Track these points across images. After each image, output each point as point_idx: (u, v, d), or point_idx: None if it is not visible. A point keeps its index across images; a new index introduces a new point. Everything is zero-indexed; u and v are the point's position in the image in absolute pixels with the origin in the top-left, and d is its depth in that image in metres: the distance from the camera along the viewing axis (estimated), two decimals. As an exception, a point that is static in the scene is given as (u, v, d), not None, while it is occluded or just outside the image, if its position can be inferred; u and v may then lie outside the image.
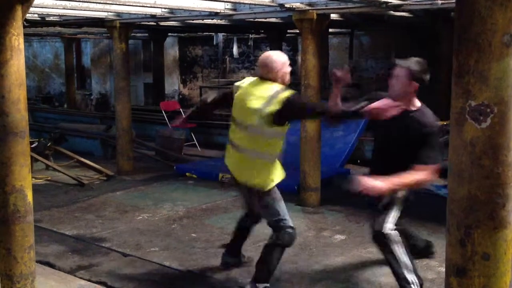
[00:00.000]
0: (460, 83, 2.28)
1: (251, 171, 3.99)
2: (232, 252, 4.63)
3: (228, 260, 4.63)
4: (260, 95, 3.88)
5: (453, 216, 2.36)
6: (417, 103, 4.00)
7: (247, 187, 4.08)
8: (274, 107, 3.78)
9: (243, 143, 3.98)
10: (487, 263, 2.31)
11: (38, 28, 11.44)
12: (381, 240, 3.89)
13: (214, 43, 14.92)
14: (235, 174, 4.13)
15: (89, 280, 4.47)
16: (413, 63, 3.89)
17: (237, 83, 4.19)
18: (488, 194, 2.27)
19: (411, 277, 3.84)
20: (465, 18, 2.25)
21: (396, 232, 3.88)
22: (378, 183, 3.46)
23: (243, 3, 6.69)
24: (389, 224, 3.88)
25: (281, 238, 3.99)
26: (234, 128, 4.05)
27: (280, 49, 12.45)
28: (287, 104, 3.78)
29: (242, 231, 4.59)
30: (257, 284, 4.00)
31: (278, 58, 3.99)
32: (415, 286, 3.85)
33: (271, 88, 3.89)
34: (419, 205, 6.59)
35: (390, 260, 3.89)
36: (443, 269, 2.52)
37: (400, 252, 3.84)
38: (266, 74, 3.96)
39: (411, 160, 3.72)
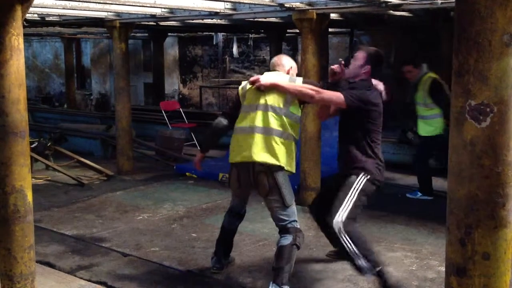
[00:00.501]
0: (460, 82, 2.29)
1: (278, 151, 4.06)
2: (225, 254, 4.61)
3: (224, 263, 4.61)
4: (281, 77, 4.22)
5: (453, 215, 2.37)
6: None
7: (267, 173, 4.04)
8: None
9: (269, 124, 4.07)
10: (487, 263, 2.31)
11: (38, 28, 11.44)
12: (330, 230, 4.03)
13: (214, 43, 14.91)
14: (257, 158, 4.03)
15: (89, 280, 4.47)
16: (372, 50, 4.32)
17: (242, 84, 4.38)
18: (488, 193, 2.28)
19: (360, 262, 3.95)
20: (465, 17, 2.25)
21: (345, 225, 3.97)
22: (272, 79, 4.07)
23: (243, 3, 6.68)
24: (340, 217, 3.98)
25: (299, 240, 4.10)
26: (255, 113, 4.12)
27: (280, 48, 12.44)
28: (305, 80, 4.27)
29: (231, 232, 4.58)
30: (283, 287, 4.00)
31: (289, 59, 4.45)
32: (367, 270, 3.95)
33: (285, 76, 4.26)
34: (419, 205, 6.63)
35: (340, 249, 4.07)
36: (443, 269, 2.52)
37: (347, 242, 3.96)
38: (277, 68, 4.35)
39: (353, 129, 4.10)
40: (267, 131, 4.05)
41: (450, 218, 2.38)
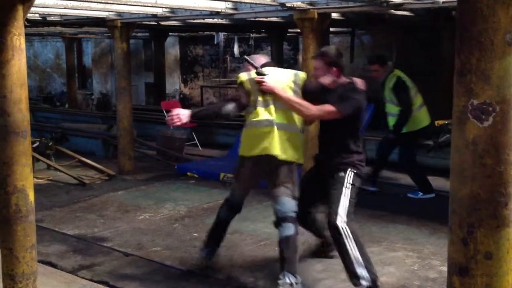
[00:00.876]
0: (462, 81, 2.28)
1: (295, 146, 4.18)
2: (217, 246, 4.61)
3: (213, 254, 4.61)
4: (285, 73, 4.31)
5: (456, 215, 2.36)
6: (344, 80, 4.21)
7: (287, 164, 4.14)
8: (302, 82, 4.25)
9: (285, 119, 4.16)
10: (490, 262, 2.31)
11: (39, 28, 11.45)
12: (334, 233, 3.97)
13: (215, 42, 14.92)
14: (276, 151, 4.11)
15: (91, 280, 4.46)
16: (327, 51, 4.27)
17: (246, 76, 4.29)
18: (491, 193, 2.27)
19: (361, 271, 3.88)
20: (467, 16, 2.25)
21: (348, 225, 3.95)
22: (274, 85, 4.07)
23: (244, 3, 6.69)
24: (341, 216, 3.95)
25: (298, 230, 4.17)
26: (269, 108, 4.16)
27: (281, 48, 12.45)
28: (307, 82, 4.30)
29: (227, 225, 4.58)
30: (296, 275, 4.05)
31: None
32: (365, 281, 3.88)
33: (288, 72, 4.36)
34: (420, 204, 6.63)
35: (340, 254, 3.98)
36: (445, 268, 2.52)
37: (351, 246, 3.90)
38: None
39: (339, 129, 4.08)
40: (285, 126, 4.16)
41: (452, 218, 2.38)
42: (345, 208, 3.99)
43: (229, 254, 4.91)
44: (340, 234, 3.91)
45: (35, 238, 3.61)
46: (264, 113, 4.15)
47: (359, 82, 4.22)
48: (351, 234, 3.92)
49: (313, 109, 4.02)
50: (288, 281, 4.00)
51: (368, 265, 3.93)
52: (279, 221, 4.18)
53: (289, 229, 4.10)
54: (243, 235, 5.36)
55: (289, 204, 4.16)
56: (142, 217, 6.24)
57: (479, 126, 2.25)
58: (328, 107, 4.00)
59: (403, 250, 5.06)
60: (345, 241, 3.90)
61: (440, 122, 8.15)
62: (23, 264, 3.52)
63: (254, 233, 5.54)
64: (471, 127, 2.27)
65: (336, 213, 3.95)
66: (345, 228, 3.92)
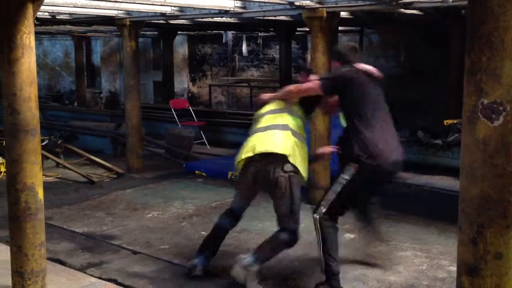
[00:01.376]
0: (472, 80, 2.27)
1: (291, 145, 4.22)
2: (213, 253, 4.56)
3: (209, 263, 4.54)
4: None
5: (465, 214, 2.35)
6: None
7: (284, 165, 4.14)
8: None
9: (288, 123, 4.31)
10: (500, 262, 2.30)
11: (48, 26, 11.50)
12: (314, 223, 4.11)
13: (224, 41, 14.92)
14: (280, 150, 4.14)
15: (99, 277, 4.48)
16: (336, 47, 4.60)
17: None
18: (501, 192, 2.26)
19: (322, 264, 4.05)
20: (477, 15, 2.24)
21: (324, 218, 4.02)
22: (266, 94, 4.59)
23: (253, 1, 6.68)
24: (320, 209, 4.05)
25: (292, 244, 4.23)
26: (273, 116, 4.37)
27: (290, 47, 12.43)
28: None
29: (226, 234, 4.56)
30: (258, 262, 4.13)
31: None
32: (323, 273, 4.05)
33: None
34: (429, 204, 6.60)
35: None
36: (454, 268, 2.51)
37: (321, 239, 4.04)
38: None
39: (347, 118, 4.17)
40: (280, 127, 4.28)
41: (462, 218, 2.37)
42: (328, 202, 4.03)
43: (237, 252, 4.90)
44: (314, 224, 4.06)
45: (44, 236, 3.63)
46: (280, 119, 4.34)
47: (364, 66, 4.18)
48: (322, 228, 4.03)
49: (301, 86, 4.35)
50: (248, 260, 4.06)
51: (327, 259, 4.02)
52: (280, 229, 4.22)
53: (285, 237, 4.13)
54: (251, 234, 5.36)
55: (287, 222, 4.16)
56: (151, 215, 6.25)
57: (489, 125, 2.24)
58: (313, 81, 4.29)
59: (412, 249, 5.05)
60: (316, 233, 4.05)
61: (449, 121, 8.11)
62: (32, 262, 3.55)
63: (262, 232, 5.53)
64: (481, 127, 2.26)
65: (319, 206, 4.07)
66: (318, 220, 4.02)
